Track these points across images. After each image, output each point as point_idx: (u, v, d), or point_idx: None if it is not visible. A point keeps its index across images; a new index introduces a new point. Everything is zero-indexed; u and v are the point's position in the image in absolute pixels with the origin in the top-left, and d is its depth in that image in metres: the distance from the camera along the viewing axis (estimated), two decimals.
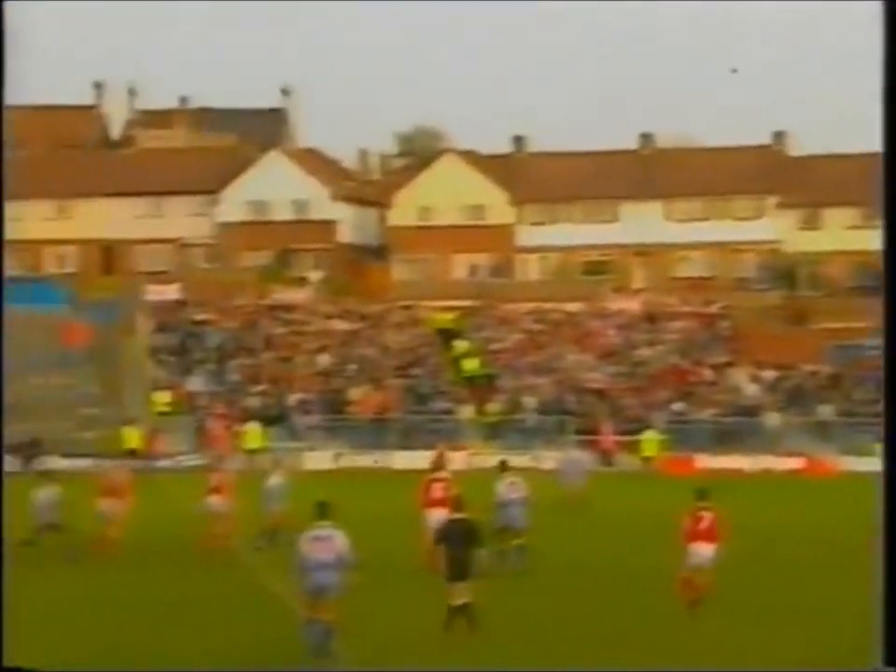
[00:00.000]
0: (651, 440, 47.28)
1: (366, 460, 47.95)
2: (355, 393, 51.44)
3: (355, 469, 46.58)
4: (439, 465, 23.59)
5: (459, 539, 17.11)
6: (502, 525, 22.77)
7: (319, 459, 47.20)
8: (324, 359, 53.73)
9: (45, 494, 24.89)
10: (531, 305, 59.87)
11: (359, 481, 41.47)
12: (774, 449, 47.92)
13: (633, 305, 60.43)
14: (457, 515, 17.73)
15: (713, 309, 59.74)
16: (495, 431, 50.37)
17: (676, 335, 57.06)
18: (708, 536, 19.13)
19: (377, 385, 52.13)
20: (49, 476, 26.00)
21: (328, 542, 15.71)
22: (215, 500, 25.64)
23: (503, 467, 24.05)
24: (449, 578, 17.06)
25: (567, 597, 20.82)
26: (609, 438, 47.34)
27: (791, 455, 47.49)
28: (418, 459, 37.84)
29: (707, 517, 19.21)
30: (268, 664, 15.86)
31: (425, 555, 20.73)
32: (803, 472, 45.90)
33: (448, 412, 51.20)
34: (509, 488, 23.03)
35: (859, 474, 38.63)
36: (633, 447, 47.38)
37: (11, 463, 46.03)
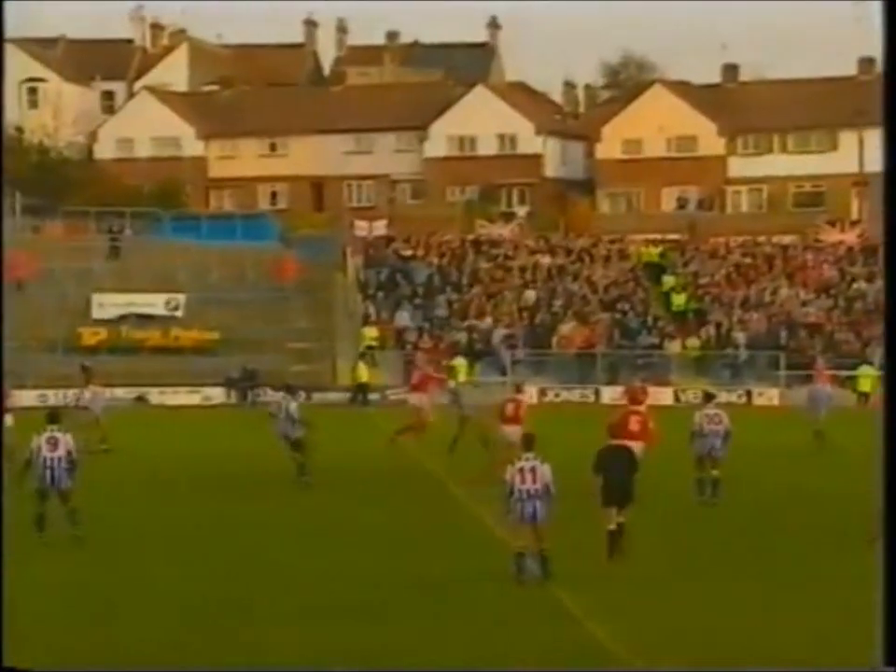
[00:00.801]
0: (867, 375, 45.84)
1: (572, 395, 47.82)
2: (561, 328, 51.23)
3: (562, 402, 46.54)
4: (636, 398, 23.26)
5: (617, 465, 17.44)
6: (699, 456, 22.66)
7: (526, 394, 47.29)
8: (530, 294, 53.60)
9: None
10: (741, 238, 58.47)
11: (566, 414, 41.29)
12: None
13: (849, 238, 58.44)
14: (616, 442, 18.13)
15: None
16: (704, 366, 49.56)
17: None
18: None
19: (584, 319, 51.79)
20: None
21: (533, 473, 16.19)
22: (509, 429, 25.41)
23: (707, 398, 24.35)
24: (605, 503, 17.41)
25: (760, 534, 20.29)
26: (823, 373, 45.96)
27: None
28: None
29: None
30: (481, 592, 15.96)
31: None
32: None
33: (656, 346, 50.59)
34: (709, 419, 22.73)
35: None
36: (848, 383, 46.05)
37: (228, 395, 47.72)
